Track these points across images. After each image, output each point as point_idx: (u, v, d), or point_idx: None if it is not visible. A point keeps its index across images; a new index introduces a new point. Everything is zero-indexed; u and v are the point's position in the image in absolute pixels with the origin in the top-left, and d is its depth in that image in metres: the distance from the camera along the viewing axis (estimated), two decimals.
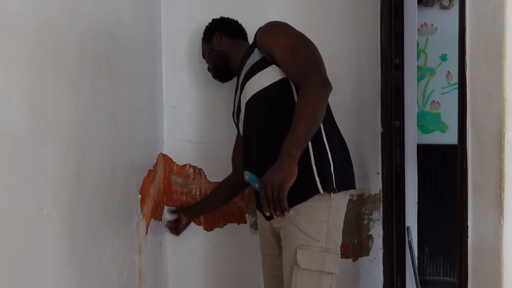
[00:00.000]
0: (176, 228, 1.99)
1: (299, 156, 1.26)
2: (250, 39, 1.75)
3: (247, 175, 1.36)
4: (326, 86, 1.34)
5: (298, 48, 1.44)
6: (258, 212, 1.66)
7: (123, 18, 1.49)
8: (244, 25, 1.84)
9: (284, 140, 1.30)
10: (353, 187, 1.52)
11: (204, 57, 1.88)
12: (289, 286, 1.41)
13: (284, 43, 1.45)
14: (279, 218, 1.26)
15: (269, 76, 1.48)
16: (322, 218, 1.41)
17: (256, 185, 1.33)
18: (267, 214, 1.27)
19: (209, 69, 1.86)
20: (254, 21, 1.76)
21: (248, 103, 1.53)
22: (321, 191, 1.39)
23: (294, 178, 1.24)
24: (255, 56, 1.52)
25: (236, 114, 1.67)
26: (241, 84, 1.57)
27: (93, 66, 1.21)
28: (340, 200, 1.47)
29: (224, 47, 1.76)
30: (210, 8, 2.00)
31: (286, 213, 1.25)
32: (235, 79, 1.78)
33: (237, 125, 1.74)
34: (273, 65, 1.48)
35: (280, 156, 1.27)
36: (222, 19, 1.85)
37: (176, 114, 2.05)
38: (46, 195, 0.95)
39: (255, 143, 1.53)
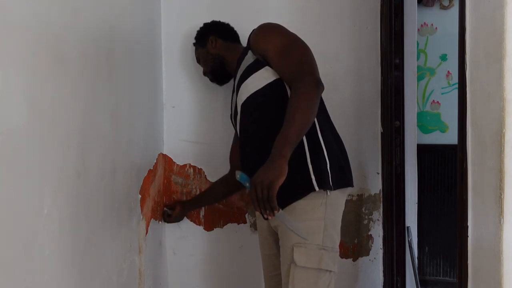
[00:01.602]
0: (169, 215, 1.97)
1: (289, 155, 1.27)
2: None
3: (238, 175, 1.36)
4: (318, 86, 1.34)
5: (291, 49, 1.45)
6: (257, 213, 1.66)
7: (123, 18, 1.49)
8: (243, 26, 1.83)
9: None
10: (351, 185, 1.52)
11: (199, 62, 1.88)
12: (287, 284, 1.41)
13: (277, 44, 1.46)
14: (269, 217, 1.27)
15: (263, 77, 1.48)
16: (318, 215, 1.41)
17: (247, 184, 1.33)
18: (257, 213, 1.28)
19: (205, 73, 1.86)
20: (254, 22, 1.75)
21: (243, 105, 1.54)
22: (317, 188, 1.39)
23: (284, 178, 1.24)
24: (249, 58, 1.53)
25: (233, 116, 1.68)
26: (237, 86, 1.58)
27: (93, 66, 1.21)
28: (337, 198, 1.46)
29: (219, 50, 1.76)
30: (209, 9, 2.00)
31: (276, 212, 1.25)
32: (231, 81, 1.78)
33: (235, 127, 1.74)
34: (267, 67, 1.48)
35: (270, 156, 1.27)
36: (214, 23, 1.84)
37: (176, 114, 2.05)
38: (46, 195, 0.95)
39: (252, 145, 1.53)
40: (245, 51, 1.58)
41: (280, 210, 1.28)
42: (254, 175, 1.26)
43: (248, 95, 1.51)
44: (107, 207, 1.31)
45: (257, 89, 1.49)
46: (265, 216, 1.26)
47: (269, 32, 1.51)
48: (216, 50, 1.77)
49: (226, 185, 1.91)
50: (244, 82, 1.52)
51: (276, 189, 1.23)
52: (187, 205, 1.99)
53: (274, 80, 1.47)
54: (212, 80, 1.86)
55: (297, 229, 1.36)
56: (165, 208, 2.00)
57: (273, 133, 1.44)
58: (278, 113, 1.45)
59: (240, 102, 1.55)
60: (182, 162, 2.06)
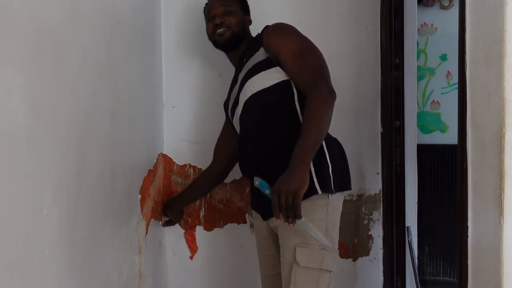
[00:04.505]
0: (168, 221, 1.98)
1: (310, 163, 1.29)
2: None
3: (257, 181, 1.37)
4: (332, 95, 1.37)
5: (306, 55, 1.45)
6: (254, 213, 1.66)
7: (123, 18, 1.49)
8: None
9: (279, 144, 1.33)
10: (349, 188, 1.54)
11: (223, 12, 1.63)
12: (288, 284, 1.42)
13: (292, 48, 1.46)
14: (291, 225, 1.27)
15: (272, 77, 1.48)
16: (320, 216, 1.42)
17: (267, 192, 1.33)
18: (278, 221, 1.28)
19: (219, 25, 1.62)
20: (254, 21, 1.76)
21: (247, 101, 1.54)
22: (319, 192, 1.40)
23: (307, 185, 1.26)
24: (260, 55, 1.52)
25: (231, 107, 1.66)
26: (242, 81, 1.57)
27: (93, 66, 1.21)
28: (337, 200, 1.48)
29: (247, 29, 1.70)
30: None
31: (298, 220, 1.26)
32: (231, 75, 1.76)
33: (227, 115, 1.74)
34: (277, 67, 1.48)
35: (292, 164, 1.28)
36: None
37: (176, 114, 2.05)
38: (46, 195, 0.95)
39: (254, 145, 1.53)
40: (255, 46, 1.56)
41: (303, 217, 1.29)
42: (277, 183, 1.27)
43: (252, 92, 1.51)
44: (107, 207, 1.31)
45: (263, 88, 1.49)
46: (287, 224, 1.27)
47: (284, 33, 1.50)
48: (247, 27, 1.70)
49: (211, 178, 1.88)
50: (251, 79, 1.51)
51: (301, 196, 1.25)
52: (172, 206, 1.94)
53: (281, 81, 1.48)
54: (228, 38, 1.62)
55: (320, 237, 1.37)
56: (164, 218, 1.97)
57: (277, 135, 1.45)
58: (282, 115, 1.47)
59: (244, 98, 1.55)
60: (182, 162, 2.06)
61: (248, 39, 1.68)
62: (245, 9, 1.73)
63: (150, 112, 1.86)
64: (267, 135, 1.49)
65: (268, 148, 1.48)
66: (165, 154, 2.05)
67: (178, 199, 1.96)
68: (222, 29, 1.61)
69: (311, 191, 1.40)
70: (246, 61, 1.57)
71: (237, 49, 1.66)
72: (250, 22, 1.73)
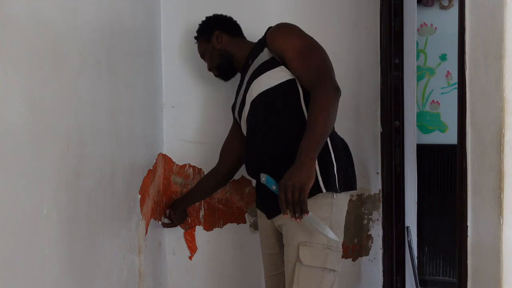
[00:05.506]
0: (169, 222, 1.97)
1: (316, 157, 1.29)
2: (250, 39, 1.75)
3: (263, 177, 1.36)
4: (337, 91, 1.38)
5: (310, 53, 1.46)
6: (258, 211, 1.66)
7: (123, 18, 1.49)
8: (244, 25, 1.83)
9: (286, 142, 1.33)
10: (355, 188, 1.53)
11: (203, 57, 1.84)
12: (291, 283, 1.42)
13: (296, 47, 1.46)
14: (298, 221, 1.27)
15: (277, 76, 1.49)
16: (324, 215, 1.41)
17: (274, 188, 1.33)
18: (285, 216, 1.28)
19: (210, 69, 1.81)
20: (254, 21, 1.76)
21: (253, 101, 1.54)
22: (324, 190, 1.40)
23: (314, 180, 1.27)
24: (264, 55, 1.53)
25: (238, 110, 1.67)
26: (247, 82, 1.57)
27: (93, 66, 1.21)
28: (342, 199, 1.48)
29: (226, 46, 1.72)
30: (209, 8, 1.99)
31: (305, 215, 1.26)
32: (238, 76, 1.77)
33: (235, 117, 1.75)
34: (282, 66, 1.49)
35: (298, 158, 1.28)
36: (218, 17, 1.81)
37: (176, 114, 2.05)
38: (45, 195, 0.95)
39: (259, 143, 1.53)
40: (259, 47, 1.57)
41: (310, 212, 1.29)
42: (283, 178, 1.27)
43: (259, 92, 1.52)
44: (106, 207, 1.31)
45: (269, 87, 1.50)
46: (293, 219, 1.27)
47: (288, 33, 1.51)
48: (223, 45, 1.72)
49: (216, 178, 1.88)
50: (257, 79, 1.52)
51: (308, 191, 1.25)
52: (176, 205, 1.95)
53: (287, 80, 1.48)
54: (217, 75, 1.81)
55: (328, 231, 1.37)
56: (163, 219, 1.97)
57: (284, 134, 1.46)
58: (289, 113, 1.47)
59: (250, 99, 1.56)
60: (181, 162, 2.06)
61: (240, 46, 1.70)
62: (209, 31, 1.75)
63: (149, 112, 1.87)
64: (274, 134, 1.50)
65: (275, 147, 1.48)
66: (165, 154, 2.05)
67: (181, 200, 1.96)
68: (211, 72, 1.83)
69: (316, 190, 1.39)
70: (251, 63, 1.58)
71: (237, 60, 1.70)
72: (220, 36, 1.72)
